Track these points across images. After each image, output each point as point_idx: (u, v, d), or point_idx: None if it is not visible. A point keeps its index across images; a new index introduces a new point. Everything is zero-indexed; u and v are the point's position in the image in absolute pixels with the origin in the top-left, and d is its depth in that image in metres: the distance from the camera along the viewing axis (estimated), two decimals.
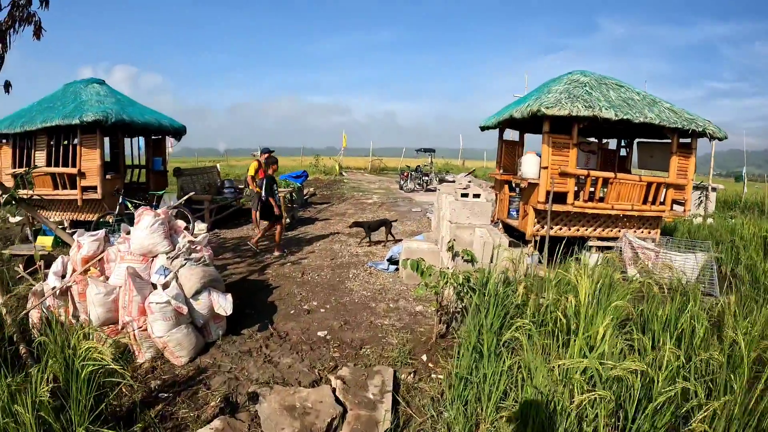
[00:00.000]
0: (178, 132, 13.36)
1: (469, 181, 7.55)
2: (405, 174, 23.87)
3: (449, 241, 6.40)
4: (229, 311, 5.45)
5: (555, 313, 4.51)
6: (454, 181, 23.63)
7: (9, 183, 10.25)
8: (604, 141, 13.47)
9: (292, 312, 6.57)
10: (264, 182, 9.71)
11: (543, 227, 9.30)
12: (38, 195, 10.62)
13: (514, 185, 11.01)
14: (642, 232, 9.96)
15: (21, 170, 10.44)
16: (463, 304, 5.57)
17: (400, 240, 9.79)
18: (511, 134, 14.29)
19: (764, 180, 28.30)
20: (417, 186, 23.66)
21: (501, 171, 12.24)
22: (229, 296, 5.56)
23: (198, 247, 6.04)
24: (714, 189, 17.89)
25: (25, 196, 7.55)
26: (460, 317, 5.71)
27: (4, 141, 11.56)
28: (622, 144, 13.11)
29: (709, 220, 14.10)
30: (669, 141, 9.91)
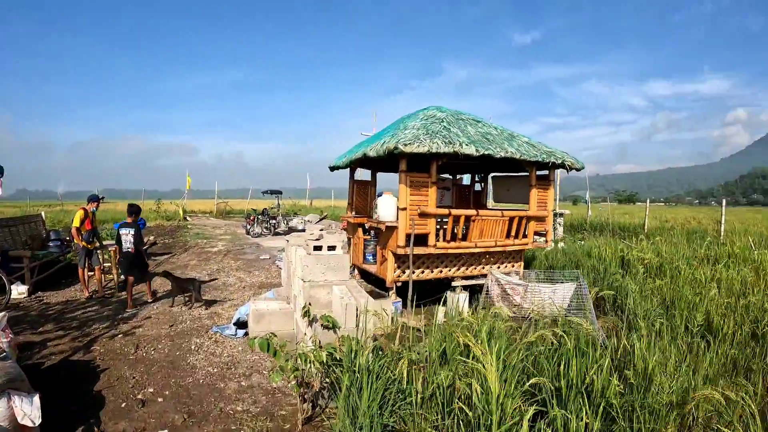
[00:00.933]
0: None
1: (321, 229, 6.87)
2: (251, 218, 22.75)
3: (304, 306, 5.65)
4: (38, 420, 4.30)
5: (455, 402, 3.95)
6: (304, 230, 22.96)
7: None
8: (458, 177, 13.43)
9: (123, 405, 5.46)
10: (133, 230, 9.20)
11: (404, 272, 8.83)
12: None
13: (368, 227, 10.47)
14: (506, 266, 9.92)
15: None
16: (331, 379, 4.83)
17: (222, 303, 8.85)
18: (360, 173, 13.86)
19: (600, 202, 30.52)
20: (264, 230, 22.67)
21: (353, 213, 11.73)
22: (36, 399, 4.40)
23: None
24: (561, 214, 18.80)
25: None
26: (327, 393, 5.00)
27: None
28: (476, 179, 13.14)
29: (561, 245, 14.54)
30: (524, 174, 9.98)
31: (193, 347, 7.24)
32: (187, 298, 9.55)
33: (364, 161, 10.45)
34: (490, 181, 12.59)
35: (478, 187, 13.21)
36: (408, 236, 8.35)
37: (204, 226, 27.62)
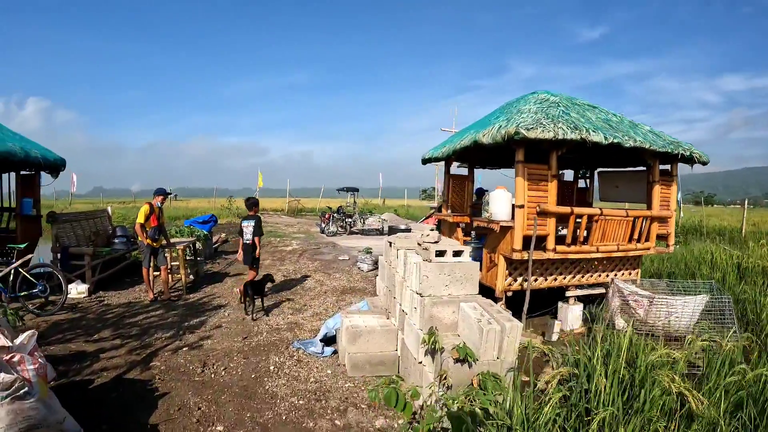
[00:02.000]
0: (54, 166, 10.55)
1: (431, 229, 5.44)
2: (326, 216, 21.54)
3: (431, 333, 4.18)
4: None
5: None
6: (381, 229, 21.70)
7: None
8: (560, 172, 11.78)
9: None
10: (253, 222, 8.78)
11: (515, 280, 7.32)
12: None
13: (474, 226, 8.96)
14: (623, 274, 8.31)
15: None
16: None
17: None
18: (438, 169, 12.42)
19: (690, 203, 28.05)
20: (339, 229, 21.45)
21: (449, 211, 10.26)
22: None
23: (16, 359, 3.62)
24: None
25: None
26: None
27: None
28: (580, 174, 11.47)
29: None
30: (636, 169, 8.44)
31: (271, 367, 5.88)
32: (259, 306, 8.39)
33: (461, 154, 9.12)
34: (596, 177, 10.91)
35: (582, 183, 11.56)
36: (526, 238, 6.85)
37: (276, 224, 26.73)
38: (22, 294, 8.05)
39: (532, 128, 6.24)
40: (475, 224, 8.44)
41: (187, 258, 11.03)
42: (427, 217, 23.30)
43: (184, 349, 6.43)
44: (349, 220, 22.07)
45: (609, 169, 10.38)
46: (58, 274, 8.29)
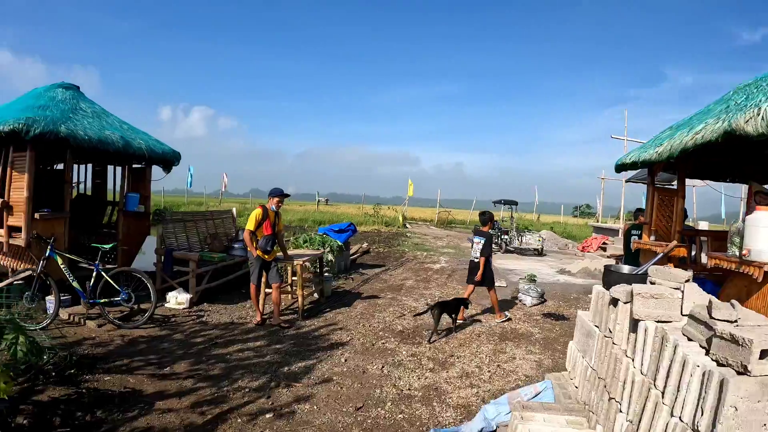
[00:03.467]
0: (166, 159, 9.24)
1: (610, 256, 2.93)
2: None
3: None
4: None
5: None
6: (539, 250, 18.88)
7: None
8: None
9: None
10: (484, 240, 7.83)
11: None
12: None
13: (708, 266, 6.16)
14: None
15: None
16: None
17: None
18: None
19: None
20: (494, 246, 18.83)
21: (652, 237, 7.53)
22: None
23: None
24: None
25: None
26: None
27: None
28: None
29: None
30: None
31: None
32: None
33: (668, 163, 6.72)
34: None
35: None
36: None
37: (424, 235, 24.68)
38: (102, 301, 6.61)
39: None
40: (709, 264, 5.63)
41: (312, 272, 9.18)
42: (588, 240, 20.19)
43: (268, 415, 4.33)
44: (506, 237, 19.40)
45: None
46: (146, 282, 6.72)
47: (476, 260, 7.87)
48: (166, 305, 7.85)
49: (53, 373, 4.86)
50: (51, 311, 6.42)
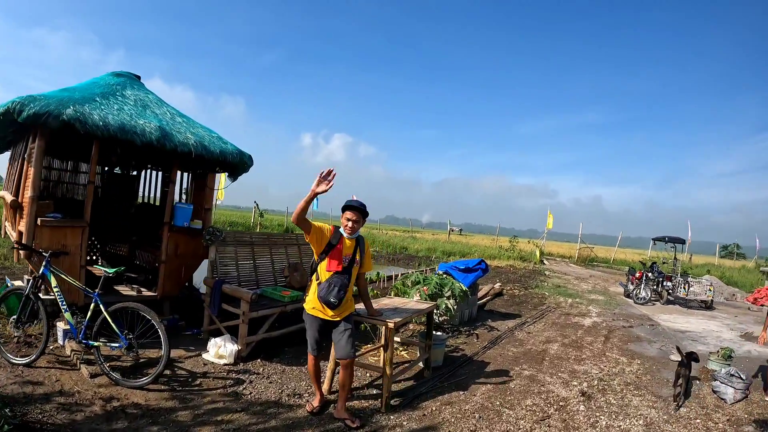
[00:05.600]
0: (227, 162, 7.14)
1: None
2: (638, 274, 15.55)
3: None
4: None
5: None
6: (709, 302, 15.03)
7: None
8: None
9: None
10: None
11: None
12: None
13: None
14: None
15: None
16: None
17: None
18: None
19: None
20: (653, 294, 15.31)
21: None
22: None
23: None
24: None
25: None
26: None
27: None
28: None
29: None
30: None
31: None
32: None
33: None
34: None
35: None
36: None
37: (565, 275, 21.40)
38: (97, 344, 4.80)
39: None
40: None
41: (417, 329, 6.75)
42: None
43: None
44: (668, 284, 15.39)
45: None
46: (156, 325, 4.73)
47: None
48: (204, 356, 5.79)
49: None
50: (61, 338, 5.48)
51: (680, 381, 6.09)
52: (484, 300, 11.61)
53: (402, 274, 10.20)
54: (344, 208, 4.46)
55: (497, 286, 13.94)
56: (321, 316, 4.46)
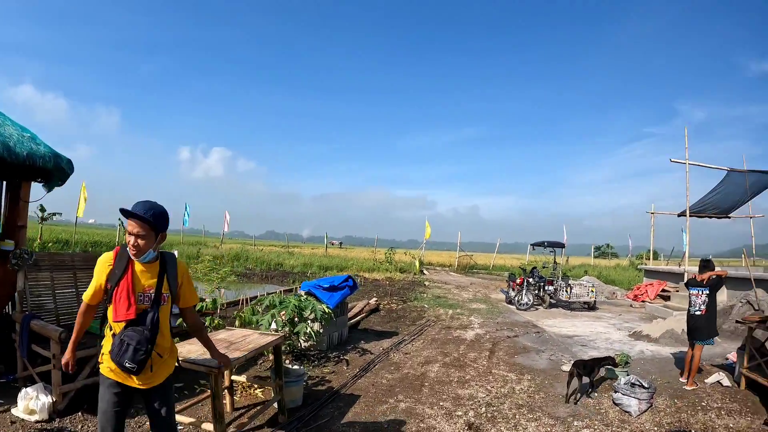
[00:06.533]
0: (45, 171, 5.52)
1: None
2: (518, 280, 15.08)
3: None
4: None
5: None
6: (592, 303, 14.75)
7: None
8: None
9: None
10: (707, 291, 6.80)
11: None
12: None
13: None
14: None
15: None
16: None
17: None
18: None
19: None
20: (535, 299, 14.85)
21: None
22: None
23: None
24: None
25: None
26: None
27: None
28: None
29: None
30: None
31: None
32: None
33: None
34: None
35: None
36: None
37: (445, 284, 20.80)
38: None
39: None
40: None
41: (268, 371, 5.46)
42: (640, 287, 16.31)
43: None
44: (550, 288, 15.18)
45: None
46: None
47: (699, 313, 6.84)
48: (13, 411, 4.38)
49: None
50: None
51: (573, 379, 5.98)
52: (357, 318, 10.47)
53: (252, 298, 8.81)
54: (129, 214, 2.84)
55: (373, 301, 12.83)
56: (122, 381, 2.91)
